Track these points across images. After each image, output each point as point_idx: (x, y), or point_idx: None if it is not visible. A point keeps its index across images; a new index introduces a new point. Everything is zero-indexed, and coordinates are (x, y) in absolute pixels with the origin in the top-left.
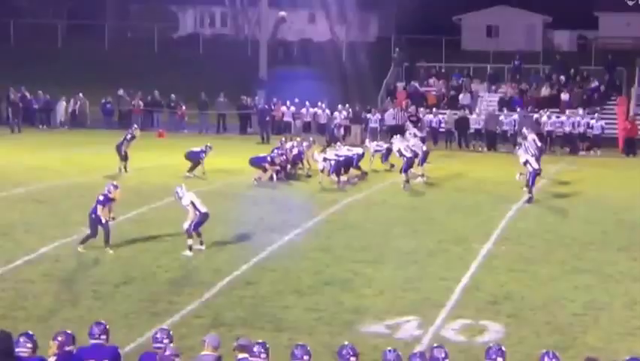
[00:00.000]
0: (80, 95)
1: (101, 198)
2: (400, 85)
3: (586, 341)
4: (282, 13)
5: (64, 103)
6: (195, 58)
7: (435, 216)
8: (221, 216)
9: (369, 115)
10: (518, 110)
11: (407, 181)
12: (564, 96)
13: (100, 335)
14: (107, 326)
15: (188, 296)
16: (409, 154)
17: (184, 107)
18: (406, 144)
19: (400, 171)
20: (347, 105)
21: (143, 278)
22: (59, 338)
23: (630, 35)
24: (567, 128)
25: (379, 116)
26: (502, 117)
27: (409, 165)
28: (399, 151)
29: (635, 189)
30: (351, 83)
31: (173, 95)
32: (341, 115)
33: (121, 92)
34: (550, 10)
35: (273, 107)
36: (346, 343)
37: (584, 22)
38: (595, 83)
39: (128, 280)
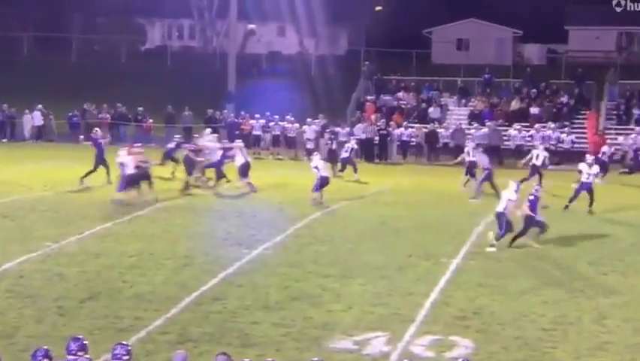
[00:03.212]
0: (40, 106)
1: None
2: (370, 98)
3: (555, 357)
4: (251, 26)
5: (29, 116)
6: (163, 70)
7: (404, 230)
8: (189, 230)
9: (338, 128)
10: (487, 123)
11: (315, 198)
12: (534, 110)
13: (77, 352)
14: (86, 342)
15: (154, 312)
16: (324, 173)
17: (151, 120)
18: (323, 162)
19: (312, 190)
20: (318, 118)
21: (109, 294)
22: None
23: (600, 49)
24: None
25: (348, 130)
26: (472, 131)
27: (321, 184)
28: (316, 167)
29: (605, 203)
30: (321, 97)
31: (140, 108)
32: (310, 128)
33: (87, 105)
34: (521, 23)
35: (241, 120)
36: (315, 359)
37: (554, 36)
38: (565, 97)
39: (93, 296)
